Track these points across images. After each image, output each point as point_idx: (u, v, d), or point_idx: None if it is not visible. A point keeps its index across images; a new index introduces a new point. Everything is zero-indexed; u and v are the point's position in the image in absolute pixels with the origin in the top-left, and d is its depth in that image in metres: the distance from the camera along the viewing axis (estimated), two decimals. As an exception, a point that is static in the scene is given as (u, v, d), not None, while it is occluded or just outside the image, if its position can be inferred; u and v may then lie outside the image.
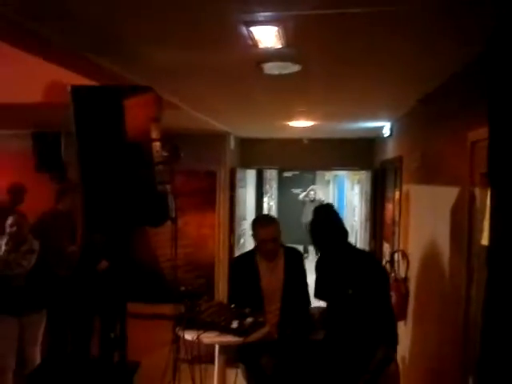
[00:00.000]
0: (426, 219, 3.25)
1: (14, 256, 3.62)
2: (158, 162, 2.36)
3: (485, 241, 2.02)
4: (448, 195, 2.67)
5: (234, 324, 2.87)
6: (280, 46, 2.18)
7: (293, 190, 13.18)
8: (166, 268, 6.03)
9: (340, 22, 1.91)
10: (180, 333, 2.89)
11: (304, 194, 11.79)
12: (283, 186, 13.14)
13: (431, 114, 3.27)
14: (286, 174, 13.04)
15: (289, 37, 2.06)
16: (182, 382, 3.09)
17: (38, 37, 2.06)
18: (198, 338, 2.79)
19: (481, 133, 2.14)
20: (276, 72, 2.51)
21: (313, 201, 11.30)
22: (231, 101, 3.84)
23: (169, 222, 2.58)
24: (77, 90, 2.14)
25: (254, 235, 3.14)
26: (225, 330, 2.87)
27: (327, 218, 2.90)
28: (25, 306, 3.67)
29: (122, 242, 2.84)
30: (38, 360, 3.89)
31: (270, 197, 11.48)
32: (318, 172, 12.79)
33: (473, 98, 2.32)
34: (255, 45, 2.15)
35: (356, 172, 8.93)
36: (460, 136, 2.46)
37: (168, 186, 2.48)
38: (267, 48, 2.20)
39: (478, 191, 2.24)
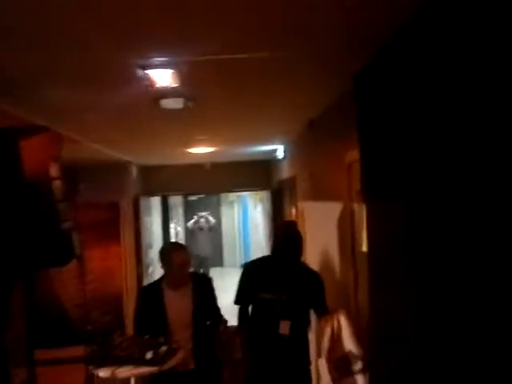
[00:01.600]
0: (319, 232, 3.60)
1: None
2: (59, 200, 2.36)
3: (364, 248, 2.34)
4: (333, 210, 3.02)
5: (149, 354, 2.90)
6: (176, 85, 2.35)
7: (199, 213, 13.30)
8: (70, 308, 5.79)
9: (230, 65, 2.14)
10: (94, 371, 2.84)
11: (192, 221, 10.56)
12: (189, 210, 13.19)
13: (316, 138, 3.65)
14: (192, 198, 13.12)
15: (183, 77, 2.24)
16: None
17: None
18: (112, 373, 2.78)
19: (355, 154, 2.49)
20: (172, 107, 2.67)
21: (202, 229, 10.02)
22: (130, 133, 3.92)
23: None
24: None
25: (167, 262, 3.05)
26: (139, 362, 2.88)
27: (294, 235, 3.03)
28: None
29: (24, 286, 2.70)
30: None
31: (177, 222, 11.46)
32: (222, 194, 13.07)
33: (348, 124, 2.67)
34: (151, 85, 2.30)
35: (258, 192, 9.34)
36: (339, 157, 2.81)
37: (70, 223, 2.49)
38: (163, 87, 2.36)
39: (356, 206, 2.58)
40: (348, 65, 2.16)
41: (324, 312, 2.93)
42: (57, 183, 2.39)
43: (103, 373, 2.79)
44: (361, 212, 2.50)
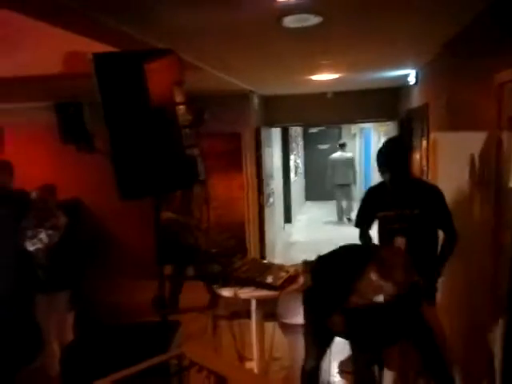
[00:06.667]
0: (454, 166, 3.22)
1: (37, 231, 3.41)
2: (184, 126, 2.40)
3: (513, 183, 2.01)
4: (475, 140, 2.63)
5: (269, 279, 2.98)
6: (299, -1, 2.15)
7: (319, 146, 13.09)
8: (197, 231, 6.22)
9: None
10: (217, 290, 3.01)
11: (335, 154, 10.42)
12: (309, 142, 13.05)
13: (456, 58, 3.17)
14: (312, 130, 12.92)
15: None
16: (222, 338, 3.23)
17: (57, 4, 2.08)
18: (235, 293, 2.91)
19: (508, 74, 2.09)
20: (297, 25, 2.47)
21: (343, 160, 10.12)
22: (252, 58, 3.81)
23: (199, 186, 2.64)
24: (98, 58, 2.16)
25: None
26: (260, 285, 2.98)
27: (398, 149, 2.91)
28: (49, 284, 3.49)
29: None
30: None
31: (297, 154, 11.44)
32: (344, 126, 12.60)
33: (499, 39, 2.25)
34: (274, -2, 2.13)
35: (382, 124, 8.76)
36: (486, 79, 2.39)
37: (196, 149, 2.53)
38: (287, 1, 2.17)
39: (505, 135, 2.20)
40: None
41: (450, 231, 2.76)
42: (182, 108, 2.41)
43: (226, 292, 2.95)
44: (511, 142, 2.14)
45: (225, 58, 3.64)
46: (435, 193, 2.84)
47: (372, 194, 3.12)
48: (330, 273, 2.60)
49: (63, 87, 3.95)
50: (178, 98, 2.37)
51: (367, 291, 2.36)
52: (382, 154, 2.89)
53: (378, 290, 2.32)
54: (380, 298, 2.29)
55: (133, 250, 5.53)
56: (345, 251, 2.69)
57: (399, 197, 2.84)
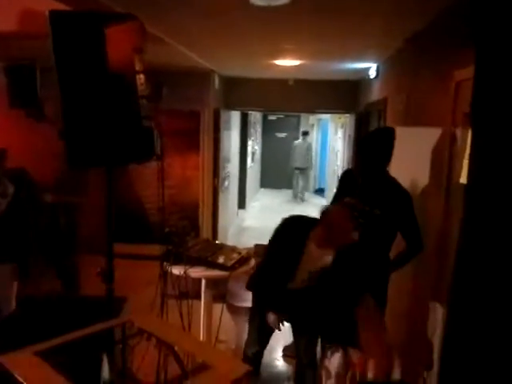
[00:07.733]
0: (408, 160, 3.30)
1: None
2: (142, 96, 2.30)
3: (463, 179, 2.08)
4: (430, 136, 2.71)
5: (221, 259, 2.96)
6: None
7: (277, 134, 13.13)
8: (150, 209, 6.09)
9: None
10: (168, 268, 2.96)
11: (299, 140, 11.89)
12: (268, 129, 13.05)
13: (418, 55, 3.24)
14: (271, 118, 12.92)
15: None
16: (169, 316, 3.18)
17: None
18: (185, 272, 2.87)
19: (466, 72, 2.14)
20: (264, 3, 2.42)
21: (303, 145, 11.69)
22: (217, 34, 3.72)
23: (153, 164, 2.55)
24: (55, 16, 2.02)
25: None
26: (211, 264, 2.95)
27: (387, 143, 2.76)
28: None
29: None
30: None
31: (255, 140, 11.41)
32: (303, 116, 12.70)
33: (460, 37, 2.29)
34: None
35: (340, 115, 8.90)
36: (445, 76, 2.46)
37: (153, 122, 2.44)
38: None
39: (459, 131, 2.27)
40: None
41: (415, 243, 2.62)
42: (140, 77, 2.31)
43: (176, 270, 2.91)
44: (464, 138, 2.20)
45: (189, 32, 3.53)
46: (404, 199, 2.68)
47: (348, 175, 3.07)
48: (280, 245, 2.60)
49: (16, 48, 3.71)
50: (138, 66, 2.27)
51: (306, 265, 2.46)
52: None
53: (316, 261, 2.43)
54: (318, 268, 2.37)
55: (81, 224, 5.34)
56: (293, 222, 2.66)
57: (365, 190, 2.74)
